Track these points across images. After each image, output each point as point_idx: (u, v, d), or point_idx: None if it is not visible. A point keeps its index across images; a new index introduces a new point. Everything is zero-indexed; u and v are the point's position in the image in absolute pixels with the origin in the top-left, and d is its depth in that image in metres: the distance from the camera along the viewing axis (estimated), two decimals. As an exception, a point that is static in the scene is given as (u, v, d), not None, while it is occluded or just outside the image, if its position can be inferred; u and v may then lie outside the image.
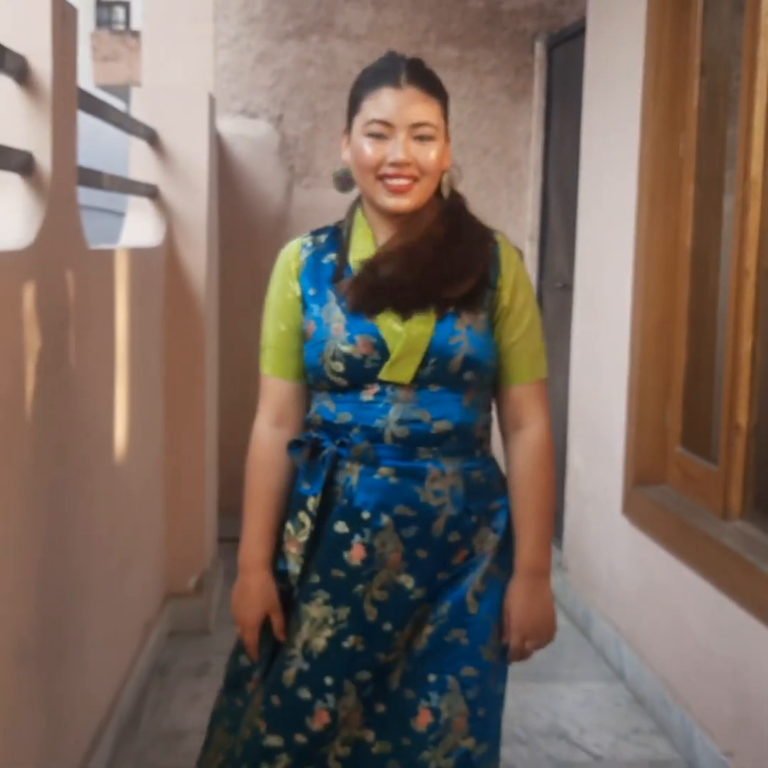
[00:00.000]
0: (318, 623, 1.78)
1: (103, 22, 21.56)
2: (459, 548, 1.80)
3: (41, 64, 2.16)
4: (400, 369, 1.73)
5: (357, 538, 1.77)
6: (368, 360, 1.74)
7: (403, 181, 1.73)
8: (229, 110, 4.80)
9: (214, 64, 4.03)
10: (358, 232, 1.82)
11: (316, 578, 1.79)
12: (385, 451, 1.76)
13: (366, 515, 1.76)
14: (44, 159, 2.18)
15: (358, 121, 1.76)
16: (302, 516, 1.81)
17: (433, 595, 1.79)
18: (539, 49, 4.86)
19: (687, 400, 3.30)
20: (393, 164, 1.72)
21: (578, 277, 4.08)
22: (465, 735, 1.75)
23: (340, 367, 1.75)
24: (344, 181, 1.85)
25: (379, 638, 1.77)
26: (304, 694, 1.77)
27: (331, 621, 1.77)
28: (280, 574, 1.85)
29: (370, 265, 1.77)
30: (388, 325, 1.74)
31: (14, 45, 2.07)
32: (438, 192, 1.80)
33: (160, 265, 3.56)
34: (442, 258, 1.77)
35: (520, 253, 1.87)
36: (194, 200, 3.68)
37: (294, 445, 1.82)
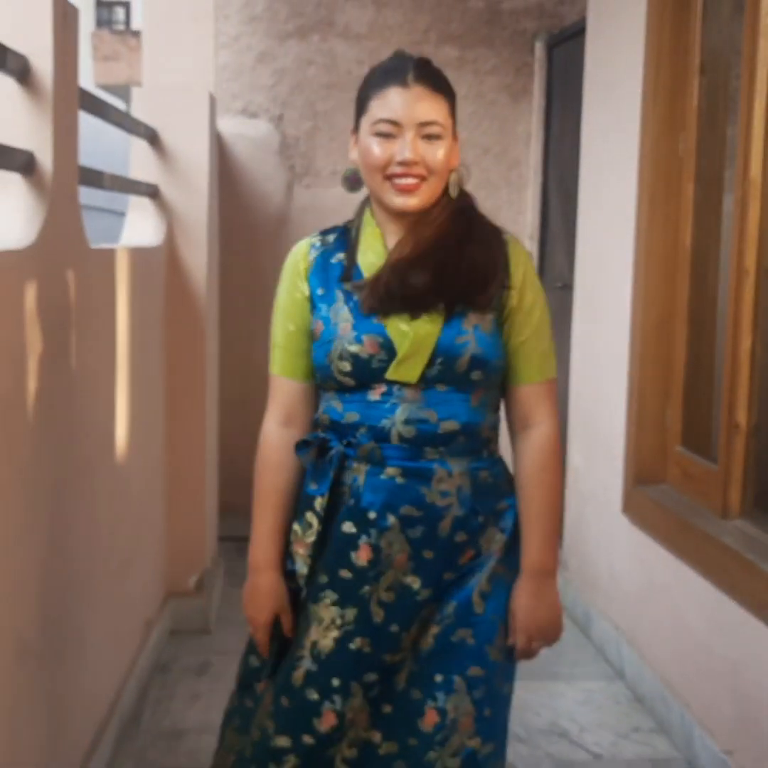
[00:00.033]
0: (325, 624, 1.78)
1: (103, 21, 21.58)
2: (465, 548, 1.80)
3: (42, 64, 2.16)
4: (407, 368, 1.73)
5: (364, 538, 1.76)
6: (375, 360, 1.74)
7: (410, 181, 1.72)
8: (229, 110, 4.80)
9: (215, 63, 4.03)
10: (367, 231, 1.82)
11: (324, 578, 1.79)
12: (391, 451, 1.75)
13: (372, 515, 1.76)
14: (45, 158, 2.18)
15: (366, 121, 1.76)
16: (309, 516, 1.80)
17: (439, 595, 1.79)
18: (539, 48, 4.86)
19: (687, 400, 3.31)
20: (401, 163, 1.72)
21: (578, 277, 4.08)
22: (471, 735, 1.75)
23: (347, 366, 1.75)
24: (353, 181, 1.84)
25: (386, 640, 1.77)
26: (312, 695, 1.77)
27: (338, 622, 1.77)
28: (288, 574, 1.85)
29: (387, 269, 1.76)
30: (396, 324, 1.74)
31: (16, 45, 2.07)
32: (446, 191, 1.79)
33: (160, 265, 3.57)
34: (457, 260, 1.76)
35: (529, 253, 1.87)
36: (194, 200, 3.69)
37: (301, 445, 1.82)
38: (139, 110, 3.61)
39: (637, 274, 3.38)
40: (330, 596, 1.78)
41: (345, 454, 1.77)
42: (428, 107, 1.73)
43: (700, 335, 3.26)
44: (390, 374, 1.74)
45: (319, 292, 1.81)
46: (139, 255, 3.19)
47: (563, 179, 4.59)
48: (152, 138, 3.58)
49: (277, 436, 1.86)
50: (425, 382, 1.74)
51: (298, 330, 1.83)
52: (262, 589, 1.84)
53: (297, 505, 1.85)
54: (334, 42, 4.83)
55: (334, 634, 1.77)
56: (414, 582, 1.77)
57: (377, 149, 1.73)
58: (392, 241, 1.80)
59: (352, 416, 1.77)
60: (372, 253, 1.80)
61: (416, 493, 1.76)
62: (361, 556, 1.77)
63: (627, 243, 3.46)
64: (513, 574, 1.82)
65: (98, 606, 2.66)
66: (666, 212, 3.31)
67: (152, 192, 3.60)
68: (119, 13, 22.28)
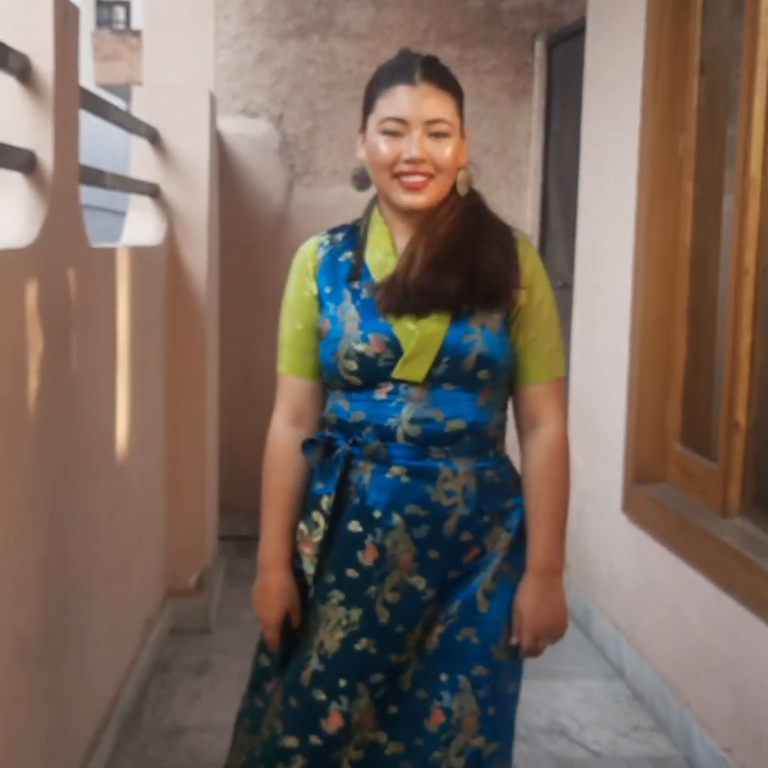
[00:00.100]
0: (332, 625, 1.78)
1: (103, 21, 21.59)
2: (470, 547, 1.79)
3: (43, 63, 2.16)
4: (413, 367, 1.73)
5: (369, 537, 1.76)
6: (381, 358, 1.74)
7: (418, 178, 1.72)
8: (229, 109, 4.81)
9: (215, 63, 4.03)
10: (375, 230, 1.81)
11: (331, 578, 1.80)
12: (397, 450, 1.75)
13: (377, 514, 1.76)
14: (46, 157, 2.18)
15: (373, 120, 1.76)
16: (316, 515, 1.80)
17: (443, 593, 1.78)
18: (539, 48, 4.87)
19: (686, 398, 3.31)
20: (408, 161, 1.71)
21: (578, 276, 4.09)
22: (475, 734, 1.75)
23: (353, 365, 1.75)
24: (361, 180, 1.83)
25: (392, 640, 1.77)
26: (320, 695, 1.77)
27: (343, 623, 1.77)
28: (296, 573, 1.85)
29: (403, 269, 1.75)
30: (402, 323, 1.73)
31: (17, 44, 2.08)
32: (454, 189, 1.79)
33: (161, 264, 3.57)
34: (481, 261, 1.76)
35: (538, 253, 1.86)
36: (195, 199, 3.69)
37: (308, 444, 1.82)
38: (139, 109, 3.62)
39: (636, 274, 3.39)
40: (337, 596, 1.78)
41: (351, 452, 1.77)
42: (435, 105, 1.72)
43: (699, 334, 3.27)
44: (396, 373, 1.73)
45: (327, 290, 1.81)
46: (139, 254, 3.19)
47: (563, 179, 4.60)
48: (153, 137, 3.59)
49: (285, 435, 1.86)
50: (432, 381, 1.74)
51: (306, 328, 1.83)
52: (272, 587, 1.84)
53: (303, 504, 1.85)
54: (334, 42, 4.83)
55: (340, 635, 1.77)
56: (419, 582, 1.77)
57: (384, 147, 1.73)
58: (400, 239, 1.80)
59: (358, 415, 1.77)
60: (380, 252, 1.79)
61: (421, 493, 1.75)
62: (367, 556, 1.77)
63: (627, 242, 3.46)
64: (518, 573, 1.81)
65: (98, 605, 2.66)
66: (666, 212, 3.31)
67: (153, 191, 3.60)
68: (119, 12, 22.30)
